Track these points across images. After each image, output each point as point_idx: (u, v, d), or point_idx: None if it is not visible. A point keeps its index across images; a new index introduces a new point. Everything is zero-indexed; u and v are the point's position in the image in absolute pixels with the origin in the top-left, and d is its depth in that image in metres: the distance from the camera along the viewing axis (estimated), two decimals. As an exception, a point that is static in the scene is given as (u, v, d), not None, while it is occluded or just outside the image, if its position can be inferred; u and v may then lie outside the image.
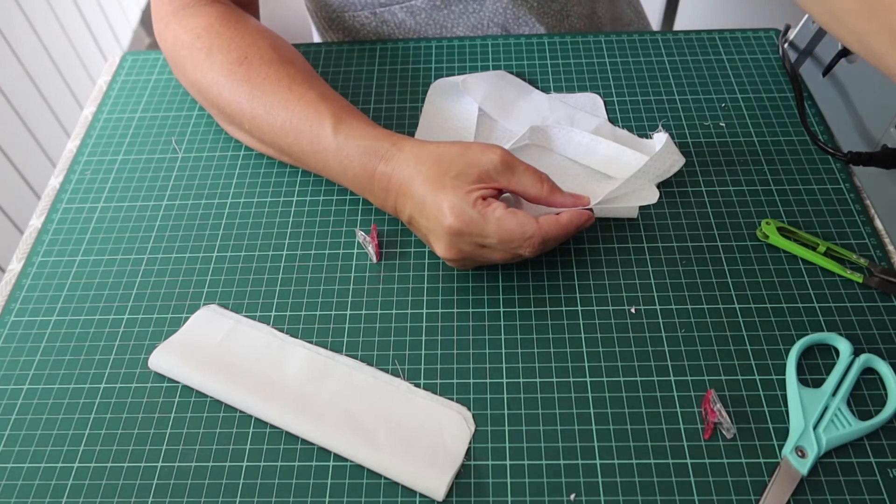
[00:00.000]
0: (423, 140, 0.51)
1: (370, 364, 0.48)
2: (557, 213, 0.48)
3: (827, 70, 0.59)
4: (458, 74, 0.66)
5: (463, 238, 0.46)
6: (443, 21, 0.73)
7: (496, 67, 0.66)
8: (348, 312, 0.50)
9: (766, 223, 0.52)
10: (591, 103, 0.63)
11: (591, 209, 0.50)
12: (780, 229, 0.52)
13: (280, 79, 0.54)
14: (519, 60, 0.67)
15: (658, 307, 0.49)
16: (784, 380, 0.45)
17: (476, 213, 0.45)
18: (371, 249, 0.53)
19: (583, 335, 0.48)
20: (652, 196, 0.54)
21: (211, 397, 0.46)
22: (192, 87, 0.59)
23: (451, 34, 0.74)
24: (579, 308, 0.49)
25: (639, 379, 0.46)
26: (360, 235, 0.53)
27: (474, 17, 0.72)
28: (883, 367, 0.45)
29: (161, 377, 0.48)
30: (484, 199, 0.46)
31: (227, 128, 0.60)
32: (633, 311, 0.49)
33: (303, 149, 0.53)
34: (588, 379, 0.46)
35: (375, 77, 0.66)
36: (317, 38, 0.89)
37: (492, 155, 0.48)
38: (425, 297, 0.51)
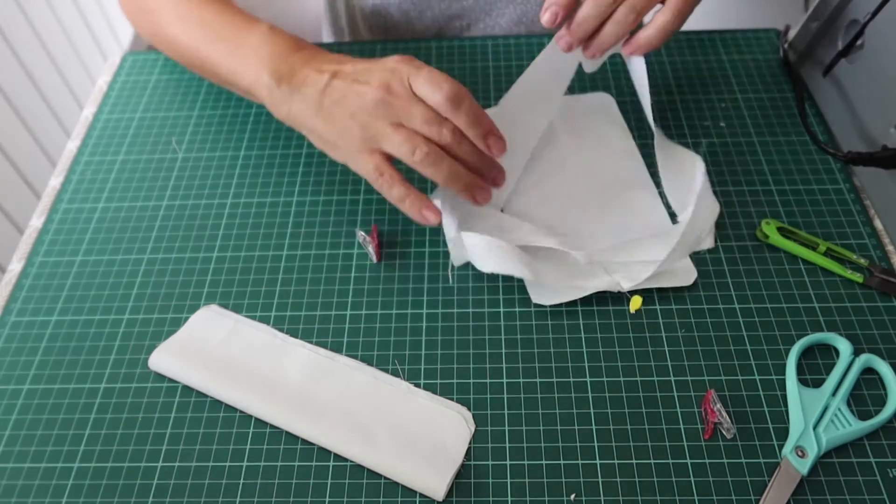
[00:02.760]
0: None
1: (370, 364, 0.48)
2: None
3: (827, 70, 0.59)
4: (459, 75, 0.66)
5: (394, 75, 0.48)
6: (489, 8, 0.75)
7: (505, 68, 0.66)
8: (348, 312, 0.50)
9: (766, 223, 0.52)
10: (601, 103, 0.63)
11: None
12: (780, 229, 0.52)
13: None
14: (527, 60, 0.67)
15: (658, 307, 0.49)
16: (784, 380, 0.45)
17: (403, 66, 0.49)
18: (371, 249, 0.53)
19: (583, 335, 0.48)
20: (689, 277, 0.50)
21: (211, 397, 0.46)
22: (141, 23, 0.62)
23: (494, 23, 0.76)
24: (579, 308, 0.49)
25: (639, 379, 0.46)
26: (360, 235, 0.53)
27: (521, 7, 0.73)
28: (883, 367, 0.45)
29: (161, 377, 0.48)
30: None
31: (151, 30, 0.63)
32: (633, 311, 0.49)
33: (225, 52, 0.55)
34: (588, 379, 0.46)
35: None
36: (326, 38, 0.89)
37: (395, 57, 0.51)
38: (425, 297, 0.51)
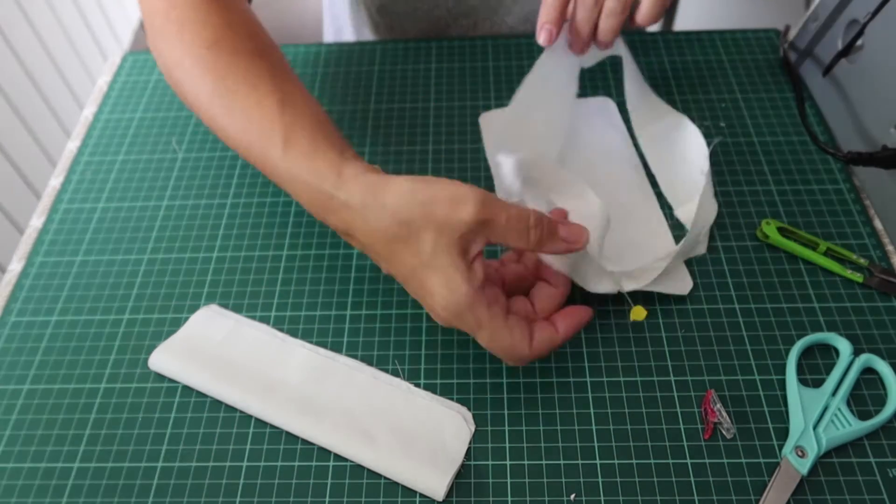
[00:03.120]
0: (369, 177, 0.42)
1: (370, 364, 0.48)
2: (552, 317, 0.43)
3: (827, 70, 0.59)
4: (459, 75, 0.66)
5: (452, 323, 0.41)
6: (496, 6, 0.74)
7: (506, 68, 0.66)
8: (348, 312, 0.50)
9: (766, 223, 0.52)
10: (604, 108, 0.62)
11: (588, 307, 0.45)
12: (780, 229, 0.52)
13: (246, 75, 0.48)
14: (534, 58, 0.67)
15: (658, 307, 0.49)
16: (784, 380, 0.45)
17: (470, 315, 0.40)
18: (371, 249, 0.52)
19: (583, 335, 0.48)
20: (685, 286, 0.50)
21: (211, 397, 0.46)
22: (160, 61, 0.52)
23: (501, 21, 0.76)
24: (579, 308, 0.49)
25: (639, 379, 0.46)
26: (360, 235, 0.53)
27: (528, 5, 0.73)
28: (883, 367, 0.45)
29: (161, 377, 0.48)
30: (474, 267, 0.41)
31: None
32: (633, 319, 0.49)
33: (256, 163, 0.47)
34: (588, 379, 0.46)
35: (375, 77, 0.66)
36: (327, 38, 0.89)
37: (463, 214, 0.39)
38: (425, 297, 0.51)
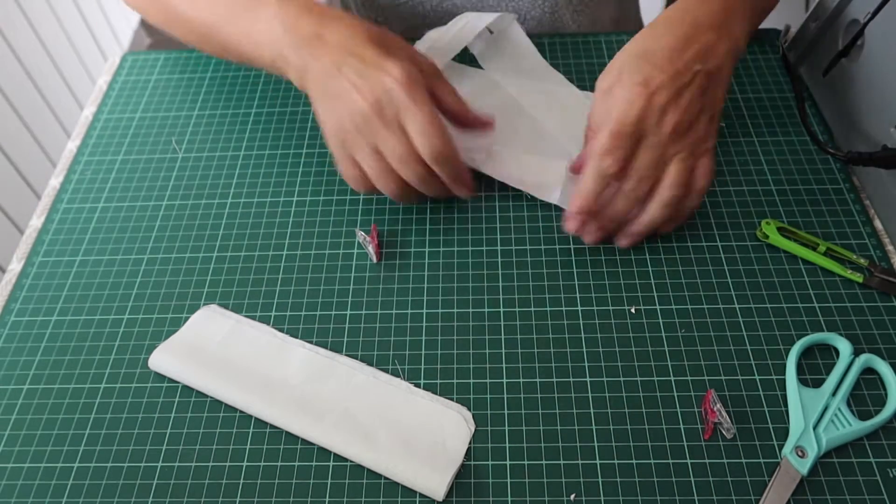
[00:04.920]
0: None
1: (370, 364, 0.48)
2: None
3: (827, 70, 0.59)
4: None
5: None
6: (480, 6, 0.74)
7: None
8: (348, 312, 0.50)
9: (766, 223, 0.52)
10: (509, 31, 0.65)
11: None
12: (780, 229, 0.52)
13: None
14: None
15: (658, 307, 0.49)
16: (784, 380, 0.45)
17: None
18: (371, 249, 0.53)
19: (583, 335, 0.48)
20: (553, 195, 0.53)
21: (211, 397, 0.46)
22: None
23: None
24: (579, 308, 0.49)
25: (639, 379, 0.46)
26: (360, 235, 0.53)
27: (512, 4, 0.73)
28: (883, 367, 0.45)
29: (161, 377, 0.48)
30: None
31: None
32: (633, 311, 0.49)
33: (220, 33, 0.56)
34: (588, 379, 0.46)
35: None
36: None
37: (429, 59, 0.52)
38: (425, 297, 0.51)
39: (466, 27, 0.63)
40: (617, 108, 0.46)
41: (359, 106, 0.47)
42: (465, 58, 0.66)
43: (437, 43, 0.63)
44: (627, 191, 0.48)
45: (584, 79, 0.65)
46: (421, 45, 0.63)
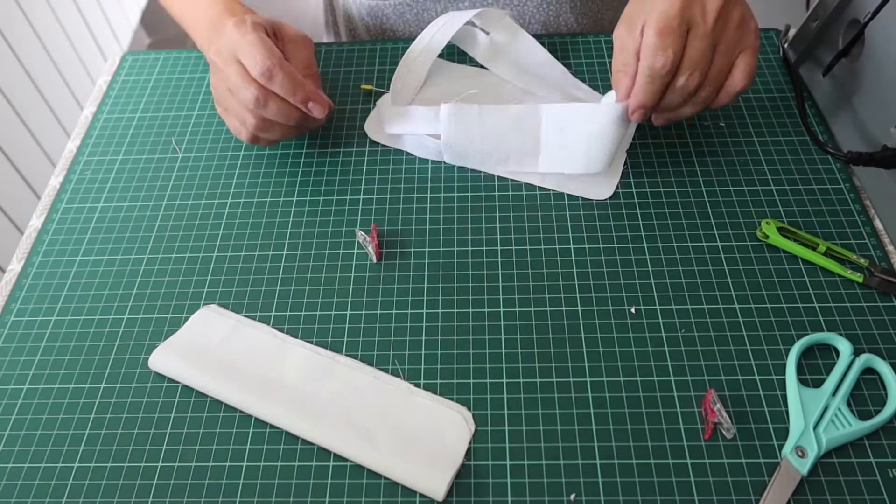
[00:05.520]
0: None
1: (370, 364, 0.48)
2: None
3: (827, 70, 0.59)
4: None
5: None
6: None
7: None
8: (348, 312, 0.50)
9: (766, 223, 0.52)
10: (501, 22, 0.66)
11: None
12: (780, 229, 0.52)
13: None
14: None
15: (658, 307, 0.49)
16: (784, 380, 0.45)
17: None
18: (371, 249, 0.53)
19: (583, 335, 0.48)
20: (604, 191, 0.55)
21: (211, 397, 0.46)
22: None
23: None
24: (579, 308, 0.49)
25: (639, 379, 0.46)
26: (360, 235, 0.53)
27: (517, 9, 0.73)
28: (883, 367, 0.45)
29: (161, 377, 0.48)
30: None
31: None
32: (633, 311, 0.49)
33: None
34: (588, 379, 0.46)
35: (375, 76, 0.66)
36: (326, 39, 0.89)
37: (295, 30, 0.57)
38: (425, 297, 0.51)
39: (447, 26, 0.64)
40: (657, 9, 0.45)
41: (217, 67, 0.53)
42: (467, 61, 0.66)
43: (418, 45, 0.64)
44: (679, 86, 0.47)
45: (585, 79, 0.65)
46: (410, 54, 0.64)
